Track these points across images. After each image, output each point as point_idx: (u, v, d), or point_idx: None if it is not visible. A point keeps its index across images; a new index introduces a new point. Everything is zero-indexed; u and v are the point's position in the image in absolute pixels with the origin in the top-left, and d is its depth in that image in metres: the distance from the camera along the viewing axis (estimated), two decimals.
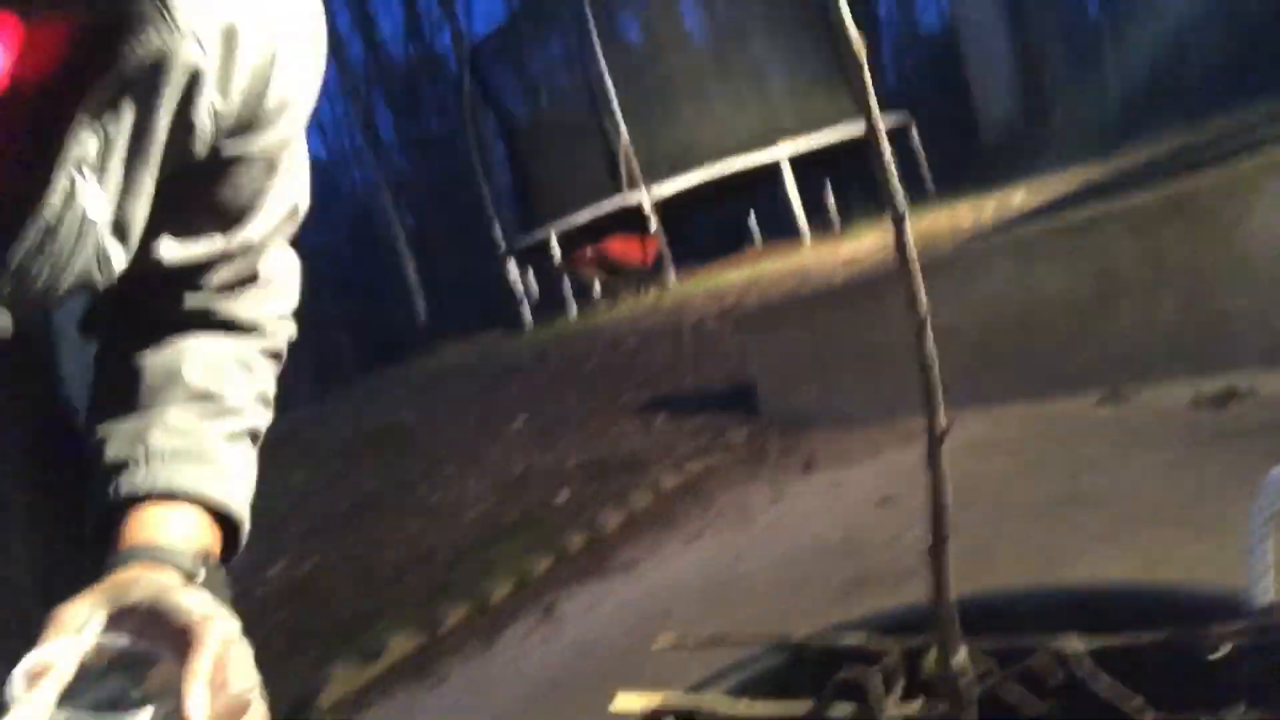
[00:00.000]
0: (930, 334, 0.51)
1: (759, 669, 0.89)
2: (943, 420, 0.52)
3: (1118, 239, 3.00)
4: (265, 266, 0.69)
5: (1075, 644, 0.72)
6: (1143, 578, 0.86)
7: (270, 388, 0.73)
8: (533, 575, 2.80)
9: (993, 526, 2.16)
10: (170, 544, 0.59)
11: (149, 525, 0.59)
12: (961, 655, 0.63)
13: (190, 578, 0.57)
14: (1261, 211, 2.71)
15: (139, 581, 0.53)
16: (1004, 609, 0.86)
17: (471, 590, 2.73)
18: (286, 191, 0.66)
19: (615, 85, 10.14)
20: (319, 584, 3.28)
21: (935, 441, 0.53)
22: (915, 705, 0.80)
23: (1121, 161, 5.78)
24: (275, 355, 0.74)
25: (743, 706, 0.83)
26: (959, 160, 10.96)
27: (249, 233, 0.64)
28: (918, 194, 9.99)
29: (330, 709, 2.19)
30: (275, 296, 0.72)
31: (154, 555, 0.57)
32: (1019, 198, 6.27)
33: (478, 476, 4.30)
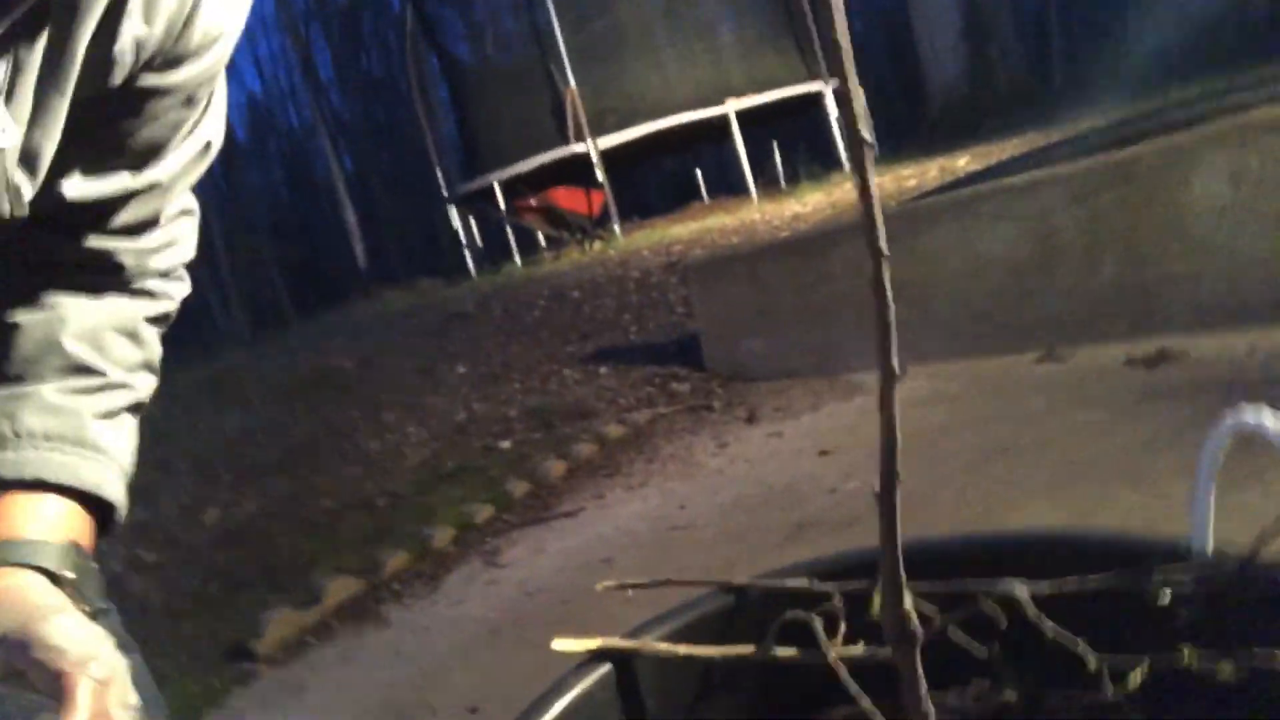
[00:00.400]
0: (887, 273, 0.50)
1: (700, 613, 0.89)
2: (896, 361, 0.51)
3: (1058, 202, 3.04)
4: (168, 211, 0.65)
5: (1020, 589, 0.73)
6: (1086, 526, 0.87)
7: (156, 354, 0.69)
8: (475, 522, 2.78)
9: (933, 475, 2.20)
10: (39, 538, 0.55)
11: (16, 516, 0.56)
12: (909, 599, 0.63)
13: (57, 579, 0.54)
14: (1198, 181, 2.77)
15: (4, 604, 0.49)
16: (949, 555, 0.87)
17: (412, 536, 2.70)
18: (201, 129, 0.62)
19: (563, 33, 9.95)
20: (255, 529, 3.22)
21: (889, 382, 0.52)
22: (858, 649, 0.81)
23: (1065, 131, 5.87)
24: (164, 318, 0.70)
25: (683, 650, 0.83)
26: (905, 124, 11.02)
27: (158, 172, 0.60)
28: None
29: (268, 653, 2.16)
30: (172, 245, 0.68)
31: (20, 555, 0.53)
32: (963, 162, 6.33)
33: (418, 424, 4.25)
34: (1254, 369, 2.40)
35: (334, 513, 3.20)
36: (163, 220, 0.65)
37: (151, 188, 0.61)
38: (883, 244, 0.57)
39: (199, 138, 0.62)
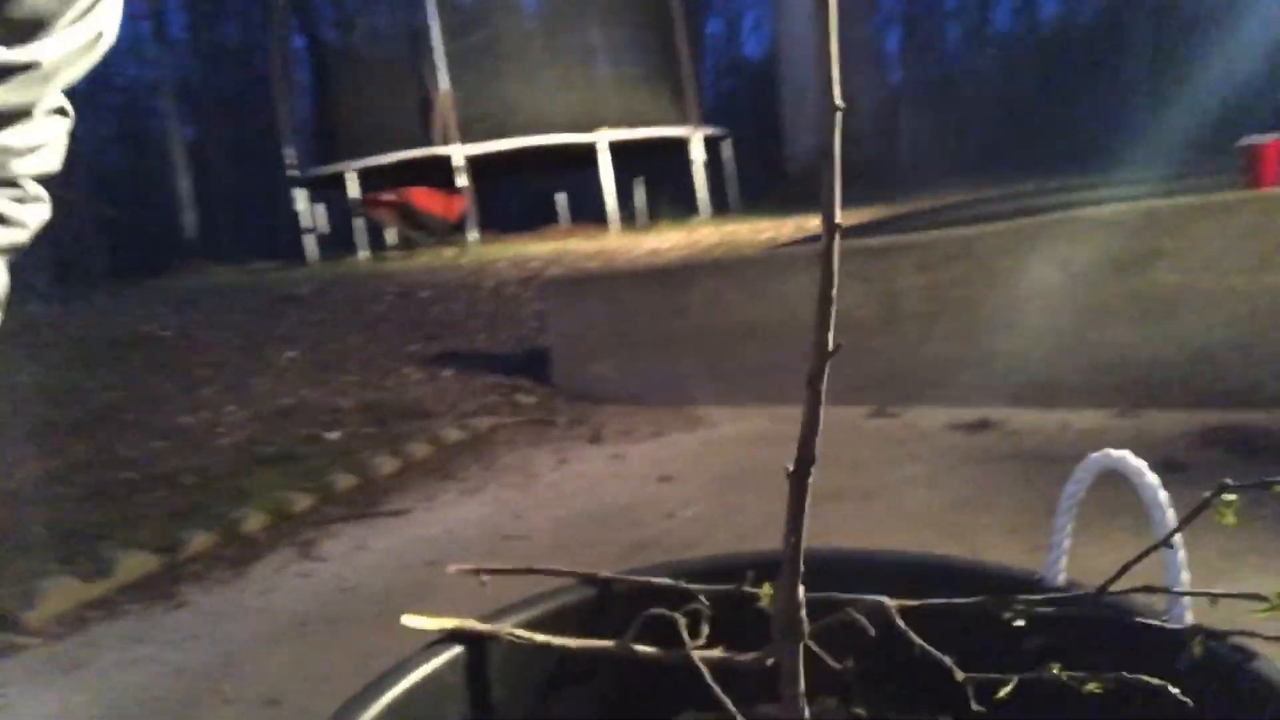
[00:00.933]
0: (838, 126, 0.50)
1: (561, 603, 0.86)
2: (839, 215, 0.51)
3: (905, 268, 3.22)
4: (43, 104, 0.57)
5: (889, 602, 0.74)
6: (949, 555, 0.90)
7: (3, 289, 0.60)
8: (292, 510, 2.62)
9: (765, 511, 2.25)
10: None
11: None
12: (801, 592, 0.62)
13: None
14: (1033, 265, 3.00)
15: None
16: (819, 566, 0.87)
17: (220, 518, 2.51)
18: (94, 15, 0.55)
19: (442, 36, 9.79)
20: (40, 493, 2.91)
21: (830, 234, 0.51)
22: (718, 651, 0.80)
23: (908, 207, 6.26)
24: (13, 249, 0.61)
25: (541, 638, 0.80)
26: (764, 182, 11.46)
27: (40, 51, 0.53)
28: (721, 205, 10.35)
29: (41, 625, 1.94)
30: (39, 150, 0.60)
31: None
32: (816, 222, 6.62)
33: (238, 404, 3.99)
34: (1065, 443, 2.60)
35: (134, 485, 2.93)
36: (36, 114, 0.56)
37: (29, 68, 0.53)
38: (836, 98, 0.55)
39: (91, 24, 0.55)
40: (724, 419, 3.26)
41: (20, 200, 0.59)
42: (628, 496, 2.49)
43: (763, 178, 11.82)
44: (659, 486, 2.55)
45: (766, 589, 0.69)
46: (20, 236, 0.60)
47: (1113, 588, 0.72)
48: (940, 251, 3.17)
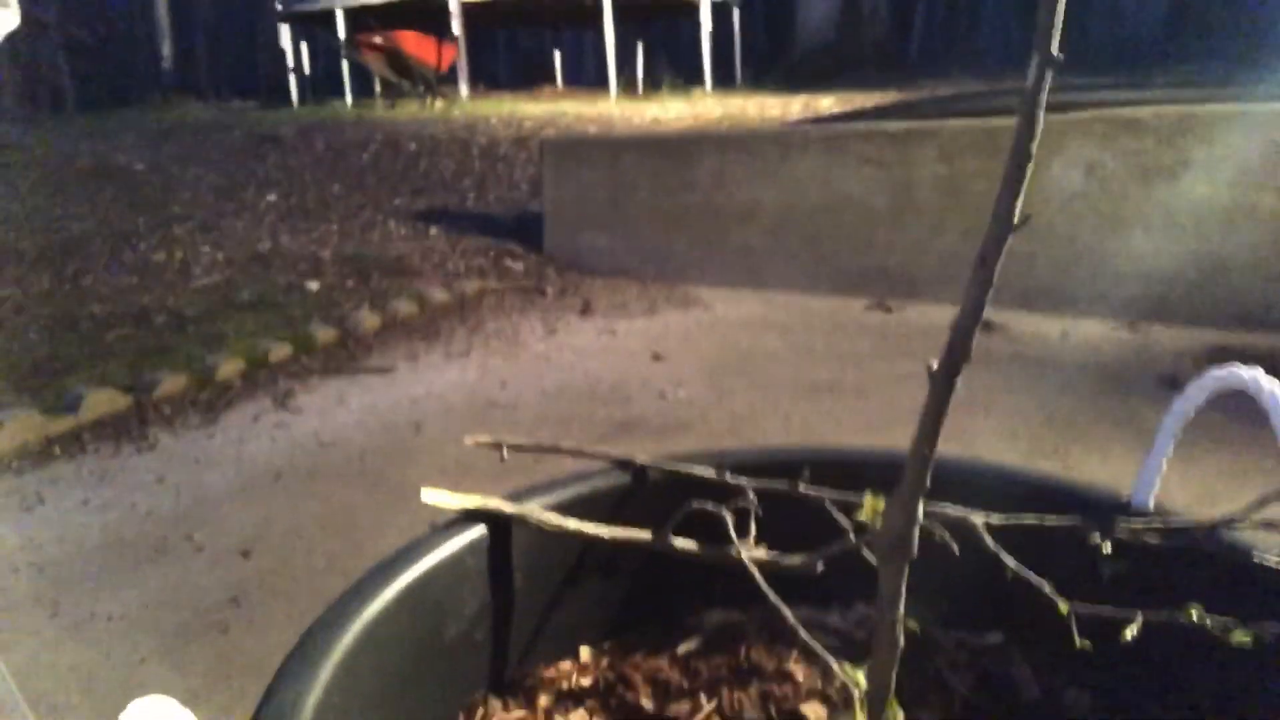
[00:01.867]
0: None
1: (592, 487, 0.77)
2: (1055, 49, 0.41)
3: (926, 157, 3.07)
4: None
5: (977, 518, 0.66)
6: (1029, 466, 0.81)
7: None
8: (268, 359, 2.52)
9: (762, 400, 2.18)
10: None
11: None
12: (920, 509, 0.53)
13: None
14: (1058, 165, 2.87)
15: None
16: (879, 471, 0.79)
17: (194, 360, 2.40)
18: None
19: None
20: (5, 323, 2.78)
21: (1041, 72, 0.41)
22: (764, 553, 0.72)
23: (922, 93, 6.02)
24: None
25: (572, 523, 0.71)
26: (767, 59, 11.02)
27: None
28: (726, 78, 9.96)
29: (1, 457, 1.85)
30: None
31: None
32: (826, 103, 6.37)
33: (214, 245, 3.82)
34: (1064, 351, 2.53)
35: (102, 321, 2.80)
36: None
37: None
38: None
39: None
40: (719, 300, 3.16)
41: None
42: (618, 373, 2.41)
43: (770, 51, 11.36)
44: (650, 365, 2.47)
45: (873, 501, 0.60)
46: None
47: (1208, 519, 0.64)
48: (963, 141, 3.02)
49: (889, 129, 3.17)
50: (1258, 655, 0.52)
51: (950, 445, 1.80)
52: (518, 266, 3.54)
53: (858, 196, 3.18)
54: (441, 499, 0.68)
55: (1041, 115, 0.41)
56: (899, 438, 1.97)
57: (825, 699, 0.70)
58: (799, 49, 11.22)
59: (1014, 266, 2.89)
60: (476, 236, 3.90)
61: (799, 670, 0.72)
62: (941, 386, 0.47)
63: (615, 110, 7.01)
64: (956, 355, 0.47)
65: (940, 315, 2.90)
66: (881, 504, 0.53)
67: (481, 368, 2.49)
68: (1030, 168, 0.42)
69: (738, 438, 1.96)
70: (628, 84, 9.34)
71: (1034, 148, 0.41)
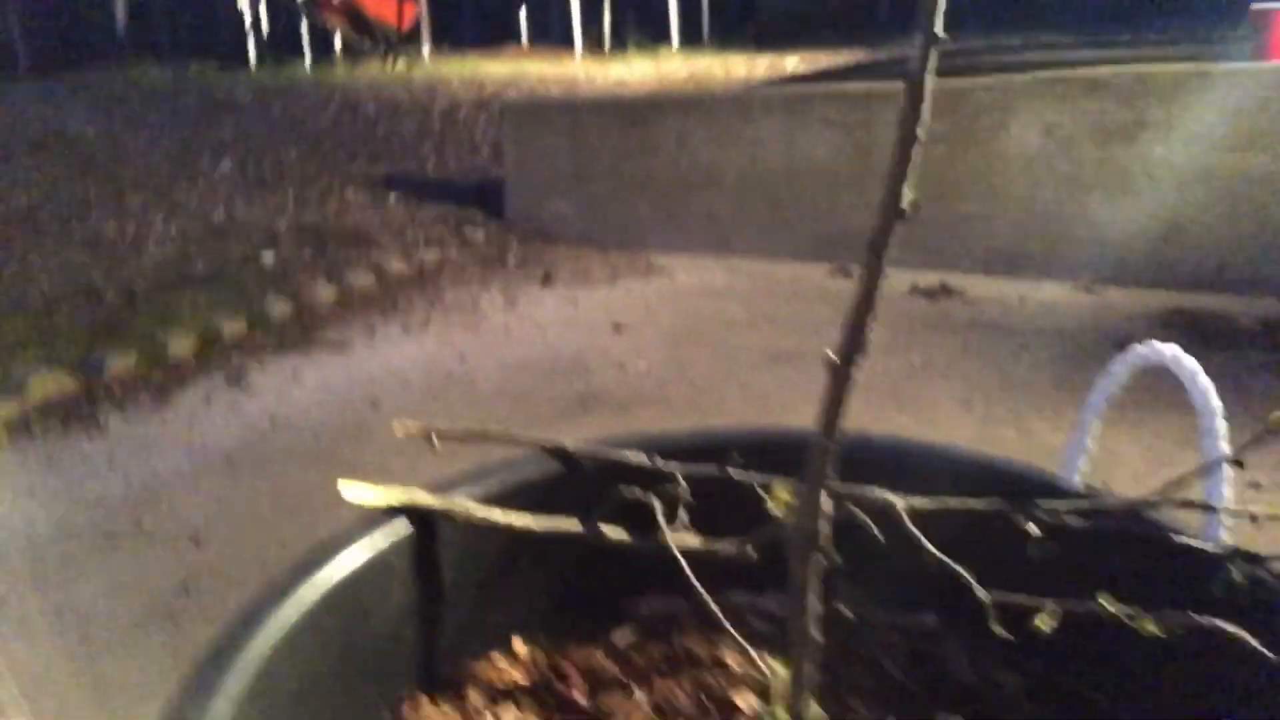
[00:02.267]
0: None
1: (521, 476, 0.76)
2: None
3: (885, 118, 3.05)
4: None
5: (899, 502, 0.65)
6: (956, 445, 0.81)
7: None
8: (222, 336, 2.47)
9: (722, 369, 2.18)
10: None
11: None
12: (825, 501, 0.52)
13: None
14: (1016, 126, 2.86)
15: None
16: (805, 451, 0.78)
17: (145, 339, 2.36)
18: None
19: None
20: None
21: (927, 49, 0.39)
22: (695, 539, 0.71)
23: (889, 53, 5.98)
24: None
25: (499, 514, 0.70)
26: (740, 18, 10.90)
27: None
28: (694, 36, 9.85)
29: None
30: None
31: None
32: (791, 63, 6.32)
33: (166, 217, 3.74)
34: (1023, 316, 2.55)
35: (51, 298, 2.74)
36: None
37: None
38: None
39: None
40: (681, 268, 3.14)
41: None
42: (577, 345, 2.39)
43: (739, 11, 11.23)
44: (611, 336, 2.46)
45: (781, 491, 0.59)
46: None
47: (1134, 497, 0.64)
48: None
49: (850, 90, 3.16)
50: (1185, 640, 0.52)
51: (907, 413, 1.80)
52: (478, 235, 3.49)
53: (820, 160, 3.16)
54: (362, 495, 0.67)
55: (929, 98, 0.40)
56: (854, 409, 1.96)
57: (759, 686, 0.70)
58: (767, 9, 11.11)
59: (973, 229, 2.89)
60: (436, 204, 3.85)
61: (733, 658, 0.72)
62: (840, 376, 0.46)
63: (580, 71, 6.92)
64: (851, 347, 0.46)
65: (897, 280, 2.91)
66: (788, 494, 0.53)
67: (440, 341, 2.47)
68: (919, 151, 0.41)
69: (697, 409, 1.96)
70: (594, 43, 9.22)
71: (921, 131, 0.40)
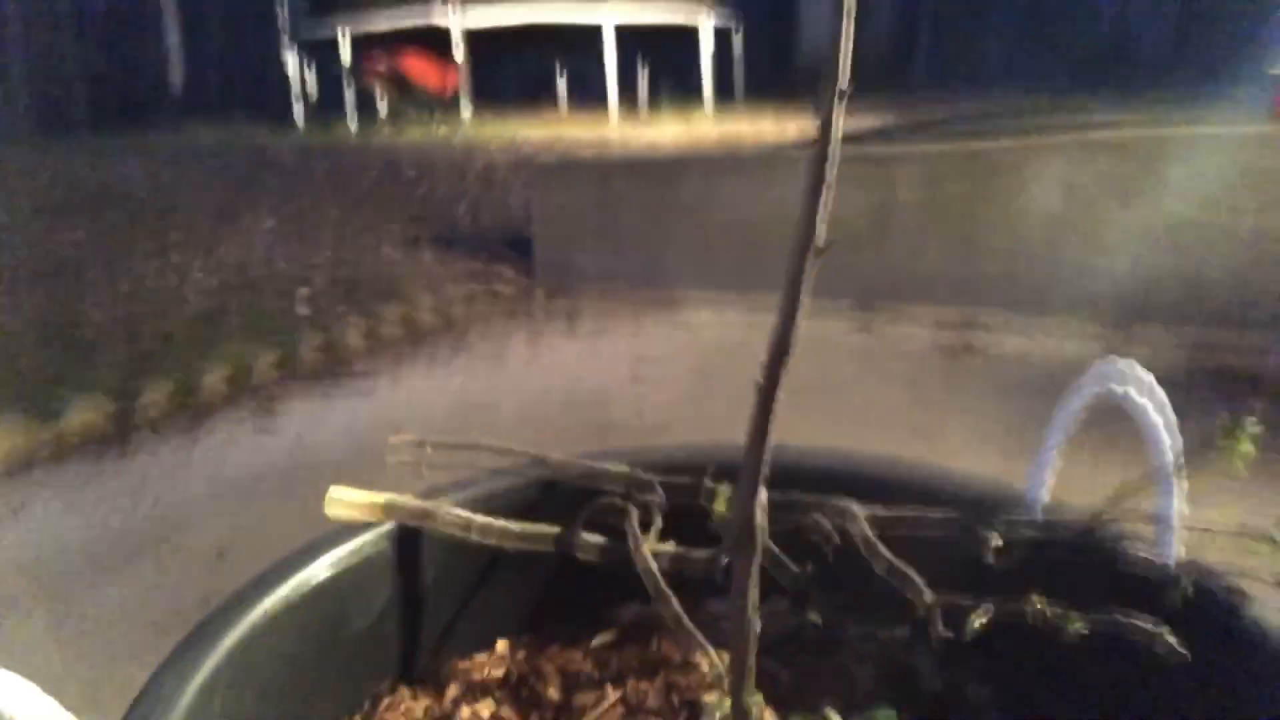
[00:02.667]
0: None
1: (508, 484, 0.80)
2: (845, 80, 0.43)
3: (908, 180, 3.11)
4: None
5: (857, 507, 0.68)
6: (924, 462, 0.84)
7: None
8: (254, 370, 2.56)
9: (737, 408, 2.20)
10: None
11: None
12: (763, 497, 0.56)
13: None
14: (1035, 186, 2.90)
15: None
16: (785, 466, 0.82)
17: (180, 371, 2.44)
18: None
19: None
20: None
21: (832, 99, 0.43)
22: (669, 546, 0.74)
23: (920, 115, 6.07)
24: None
25: (480, 521, 0.74)
26: (772, 74, 11.12)
27: None
28: (728, 96, 10.06)
29: None
30: None
31: None
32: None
33: (209, 269, 3.87)
34: (1044, 372, 2.55)
35: (92, 339, 2.85)
36: None
37: None
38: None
39: None
40: (702, 320, 3.20)
41: None
42: (598, 382, 2.45)
43: (772, 73, 11.46)
44: (632, 375, 2.50)
45: (722, 493, 0.62)
46: None
47: (1091, 511, 0.67)
48: (944, 166, 3.06)
49: (873, 153, 3.22)
50: (1148, 652, 0.54)
51: (920, 446, 1.82)
52: (507, 289, 3.58)
53: (843, 218, 3.21)
54: (348, 495, 0.71)
55: (838, 143, 0.44)
56: (874, 440, 2.00)
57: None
58: (800, 71, 11.33)
59: (994, 285, 2.91)
60: (468, 259, 3.95)
61: (705, 661, 0.74)
62: (764, 394, 0.51)
63: (614, 134, 7.09)
64: (774, 368, 0.50)
65: (916, 335, 2.93)
66: (726, 495, 0.56)
67: (464, 378, 2.53)
68: (829, 193, 0.45)
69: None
70: (629, 106, 9.44)
71: (832, 173, 0.44)
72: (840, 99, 0.43)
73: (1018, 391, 2.37)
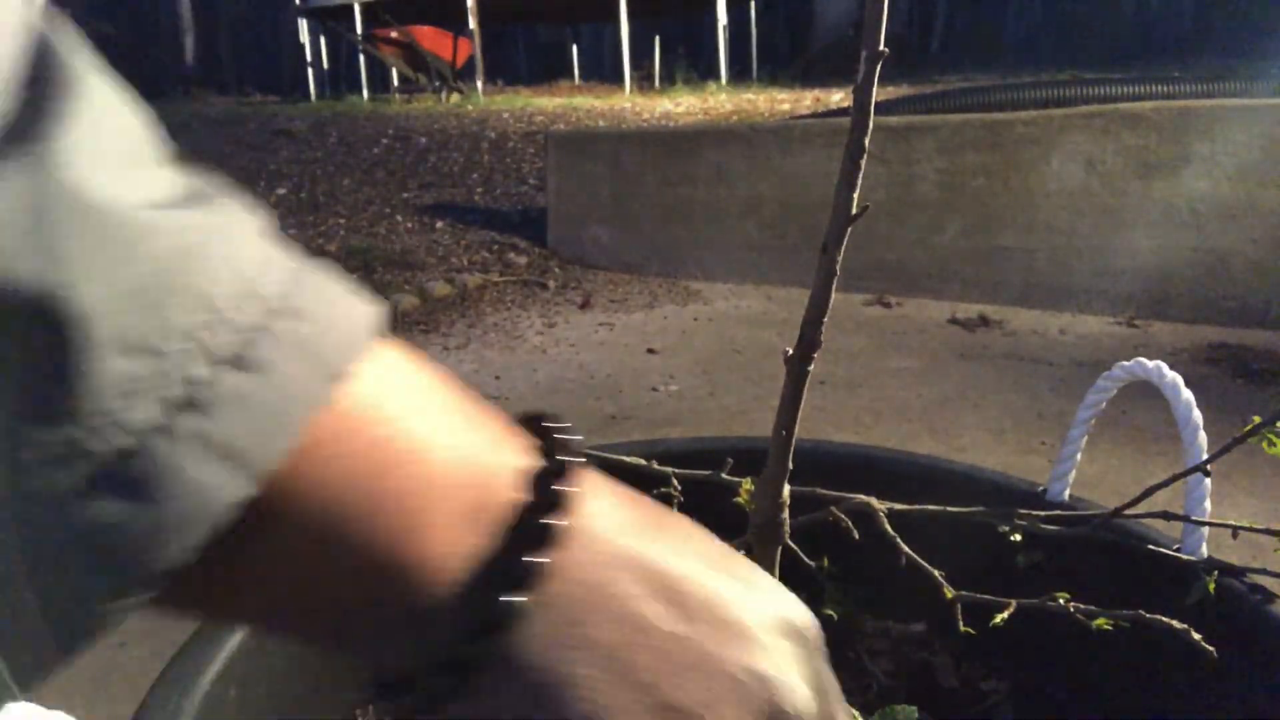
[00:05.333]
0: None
1: None
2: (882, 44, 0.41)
3: (926, 152, 3.06)
4: None
5: (876, 504, 0.67)
6: (944, 458, 0.83)
7: None
8: None
9: (754, 392, 2.19)
10: None
11: None
12: (786, 491, 0.55)
13: None
14: (1057, 159, 2.85)
15: None
16: (805, 460, 0.81)
17: None
18: None
19: None
20: None
21: (872, 63, 0.41)
22: None
23: (939, 87, 5.98)
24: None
25: None
26: (787, 50, 10.99)
27: None
28: (742, 71, 9.95)
29: None
30: None
31: None
32: (837, 98, 6.36)
33: None
34: (1062, 349, 2.53)
35: None
36: None
37: None
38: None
39: None
40: (718, 295, 3.17)
41: None
42: (611, 366, 2.43)
43: (788, 47, 11.34)
44: (645, 359, 2.49)
45: (747, 484, 0.61)
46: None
47: (1115, 508, 0.65)
48: (963, 136, 3.01)
49: (890, 123, 3.17)
50: (1166, 650, 0.53)
51: (939, 439, 1.80)
52: (520, 260, 3.56)
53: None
54: None
55: (872, 110, 0.43)
56: (883, 433, 1.97)
57: None
58: (816, 45, 11.19)
59: (1013, 262, 2.88)
60: (481, 230, 3.93)
61: None
62: (796, 372, 0.49)
63: (628, 105, 7.03)
64: (808, 343, 0.49)
65: (938, 310, 2.90)
66: (750, 487, 0.55)
67: (477, 360, 2.52)
68: (863, 161, 0.43)
69: (726, 432, 1.97)
70: (644, 78, 9.35)
71: (867, 142, 0.43)
72: (877, 65, 0.41)
73: (1036, 362, 2.35)
